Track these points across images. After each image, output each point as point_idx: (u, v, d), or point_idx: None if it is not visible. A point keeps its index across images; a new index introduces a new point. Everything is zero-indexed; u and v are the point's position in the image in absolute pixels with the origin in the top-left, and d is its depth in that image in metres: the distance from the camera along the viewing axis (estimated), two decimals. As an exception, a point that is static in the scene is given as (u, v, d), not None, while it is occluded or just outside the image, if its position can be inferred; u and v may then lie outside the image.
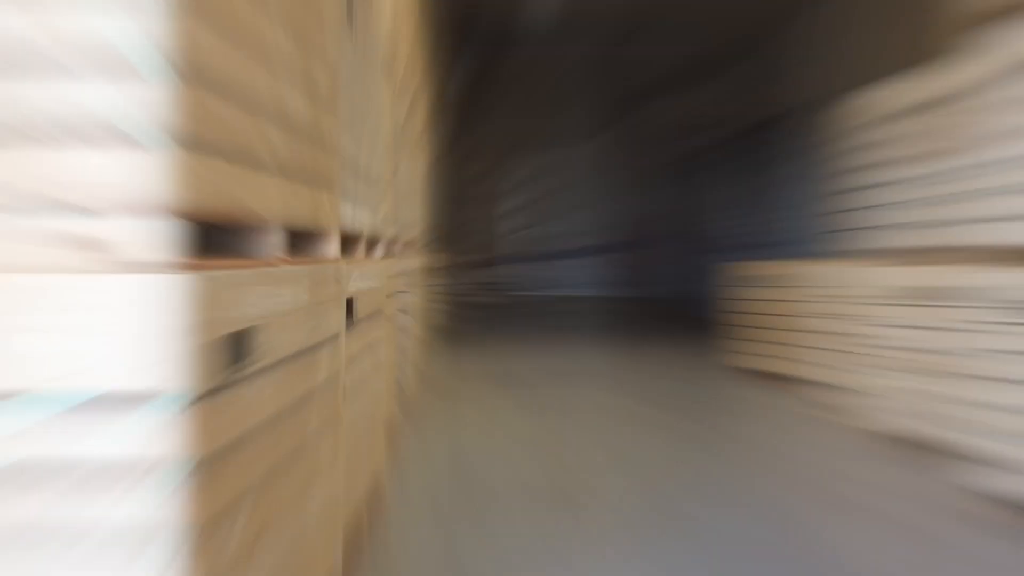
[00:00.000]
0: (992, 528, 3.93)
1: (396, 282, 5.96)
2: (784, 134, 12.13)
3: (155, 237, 1.63)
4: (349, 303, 3.42)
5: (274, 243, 2.23)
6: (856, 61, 10.16)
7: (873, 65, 9.66)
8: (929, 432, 5.30)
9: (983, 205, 4.07)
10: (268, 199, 2.15)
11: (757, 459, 5.13)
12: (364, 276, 3.73)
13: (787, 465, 4.97)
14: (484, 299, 18.09)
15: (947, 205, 5.30)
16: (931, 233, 5.32)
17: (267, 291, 2.08)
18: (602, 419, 6.26)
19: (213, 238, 2.28)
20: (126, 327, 1.62)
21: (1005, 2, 3.98)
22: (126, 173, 1.62)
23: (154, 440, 1.63)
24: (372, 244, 4.30)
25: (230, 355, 1.85)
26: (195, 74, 1.73)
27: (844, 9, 10.43)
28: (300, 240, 2.77)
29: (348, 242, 3.59)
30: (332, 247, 2.89)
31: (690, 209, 18.60)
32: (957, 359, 4.73)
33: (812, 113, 11.54)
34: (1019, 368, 3.94)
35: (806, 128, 11.55)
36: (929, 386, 5.30)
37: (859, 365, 5.71)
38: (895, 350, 5.33)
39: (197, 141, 1.72)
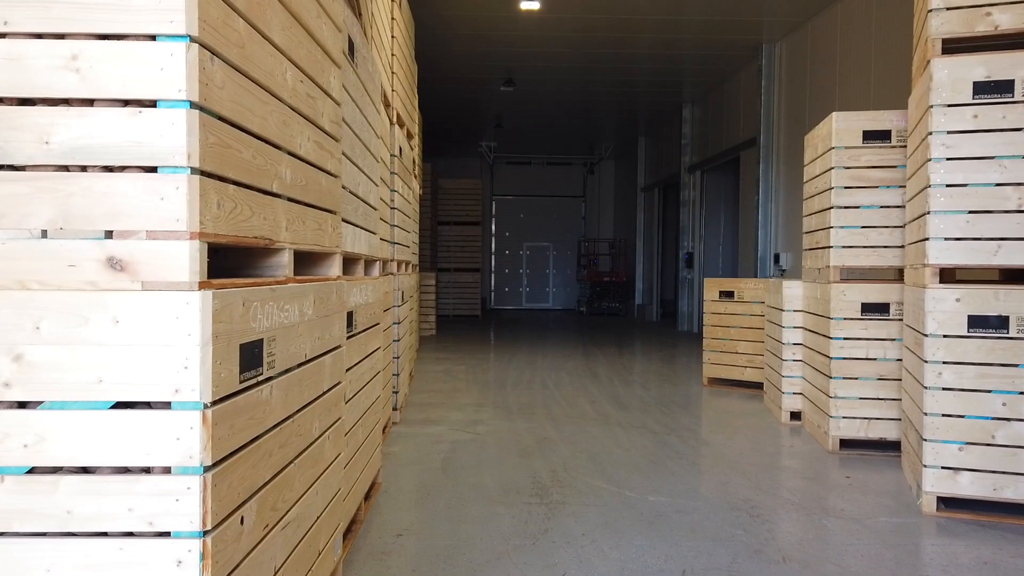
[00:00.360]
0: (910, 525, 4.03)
1: (392, 297, 6.01)
2: (750, 161, 12.29)
3: (176, 258, 1.69)
4: (350, 316, 3.48)
5: (283, 263, 2.29)
6: (816, 93, 10.34)
7: (832, 96, 9.84)
8: (878, 434, 5.39)
9: (931, 228, 4.17)
10: (278, 224, 2.21)
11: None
12: (363, 292, 3.79)
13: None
14: (470, 310, 18.17)
15: (898, 229, 5.42)
16: (884, 254, 5.43)
17: (277, 307, 2.14)
18: (575, 421, 6.32)
19: (229, 259, 2.34)
20: (149, 340, 1.68)
21: (959, 35, 4.10)
22: (151, 200, 1.68)
23: (174, 443, 1.68)
24: (370, 263, 4.36)
25: (244, 364, 1.90)
26: (214, 111, 1.79)
27: (813, 40, 10.62)
28: (306, 260, 2.82)
29: (349, 262, 3.65)
30: (335, 266, 2.95)
31: (665, 227, 18.77)
32: (900, 368, 4.84)
33: (775, 142, 11.71)
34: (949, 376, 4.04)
35: (770, 155, 11.71)
36: (879, 392, 5.39)
37: (814, 374, 5.81)
38: (850, 361, 5.43)
39: (215, 172, 1.79)
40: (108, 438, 1.67)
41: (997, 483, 4.04)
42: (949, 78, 4.09)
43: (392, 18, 6.25)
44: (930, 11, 4.16)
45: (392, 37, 6.21)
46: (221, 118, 1.82)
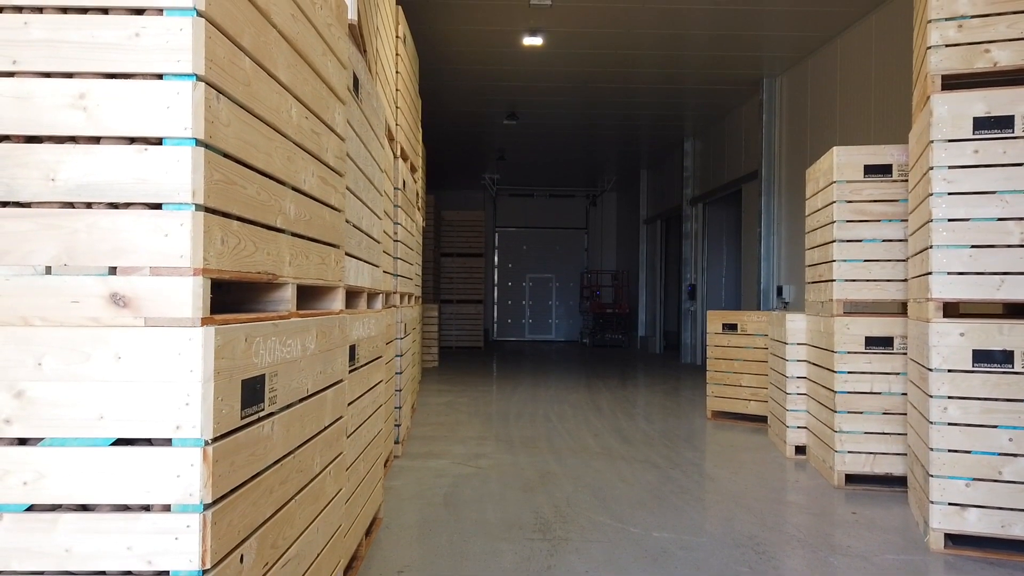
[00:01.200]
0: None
1: (394, 329, 6.00)
2: (752, 194, 12.35)
3: (179, 295, 1.69)
4: (352, 350, 3.47)
5: (286, 298, 2.29)
6: (819, 127, 10.41)
7: (835, 131, 9.91)
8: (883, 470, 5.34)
9: (934, 262, 4.17)
10: (281, 259, 2.21)
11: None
12: (366, 325, 3.79)
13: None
14: (473, 342, 18.14)
15: (901, 262, 5.42)
16: (887, 287, 5.43)
17: (279, 342, 2.14)
18: (578, 455, 6.27)
19: (232, 293, 2.34)
20: (151, 376, 1.67)
21: (958, 72, 4.13)
22: (155, 237, 1.69)
23: (175, 480, 1.67)
24: (373, 296, 4.37)
25: (245, 400, 1.89)
26: (219, 148, 1.81)
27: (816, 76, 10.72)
28: (309, 294, 2.83)
29: (352, 295, 3.65)
30: (338, 300, 2.95)
31: (668, 259, 18.80)
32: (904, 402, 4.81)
33: (776, 175, 11.77)
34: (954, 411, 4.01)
35: (772, 188, 11.76)
36: (884, 428, 5.35)
37: (818, 408, 5.77)
38: (854, 395, 5.40)
39: (219, 208, 1.79)
40: (108, 475, 1.66)
41: (1005, 520, 3.99)
42: (949, 114, 4.12)
43: (397, 54, 6.33)
44: (929, 48, 4.20)
45: (396, 73, 6.28)
46: (226, 155, 1.83)
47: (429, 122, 12.99)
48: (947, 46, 4.16)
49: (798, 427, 6.45)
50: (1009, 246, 4.02)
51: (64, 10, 1.71)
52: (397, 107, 6.19)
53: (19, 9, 1.71)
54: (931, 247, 4.15)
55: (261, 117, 2.04)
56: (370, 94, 4.06)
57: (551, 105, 13.49)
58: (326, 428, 2.70)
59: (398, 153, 6.19)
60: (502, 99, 13.16)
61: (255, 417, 1.96)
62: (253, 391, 1.94)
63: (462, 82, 12.09)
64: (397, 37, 6.41)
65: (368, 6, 4.23)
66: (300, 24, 2.38)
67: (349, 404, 3.30)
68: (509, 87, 12.37)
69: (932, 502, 4.12)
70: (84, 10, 1.71)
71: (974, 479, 4.05)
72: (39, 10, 1.71)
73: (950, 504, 4.09)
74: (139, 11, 1.71)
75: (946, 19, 4.17)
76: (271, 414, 2.08)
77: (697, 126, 15.26)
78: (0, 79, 1.69)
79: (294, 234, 2.35)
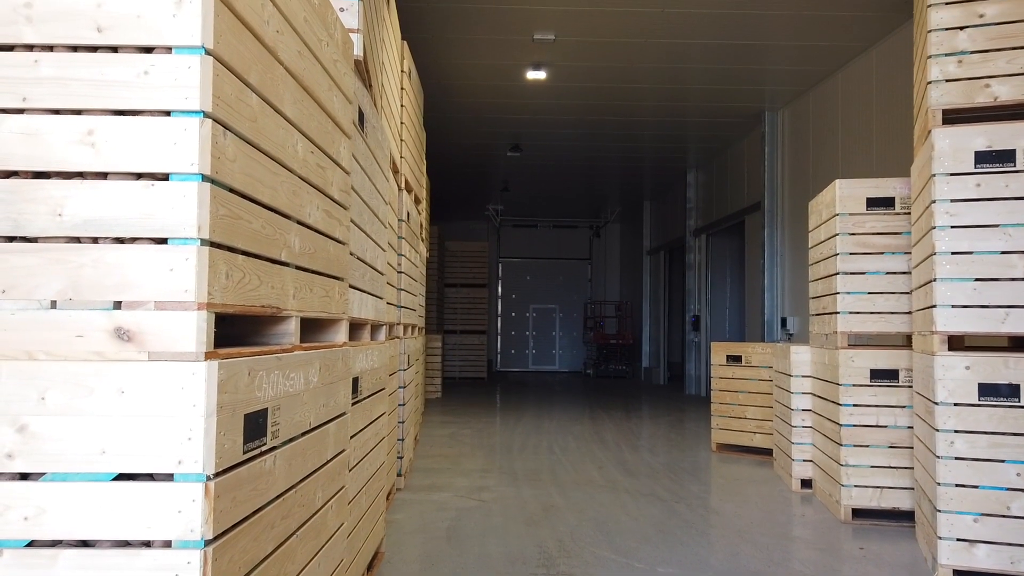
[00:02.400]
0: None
1: (397, 361, 5.99)
2: (755, 225, 12.39)
3: (183, 329, 1.69)
4: (355, 382, 3.46)
5: (290, 331, 2.30)
6: (822, 160, 10.48)
7: (837, 164, 9.96)
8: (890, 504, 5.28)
9: (938, 295, 4.17)
10: (285, 292, 2.22)
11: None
12: (369, 357, 3.78)
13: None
14: (476, 373, 18.08)
15: (905, 295, 5.41)
16: (892, 320, 5.42)
17: (282, 375, 2.14)
18: (582, 488, 6.22)
19: (236, 326, 2.34)
20: (154, 411, 1.67)
21: (959, 106, 4.16)
22: (160, 271, 1.70)
23: (176, 516, 1.66)
24: (377, 327, 4.37)
25: (248, 435, 1.89)
26: (225, 183, 1.82)
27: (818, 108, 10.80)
28: (313, 327, 2.83)
29: (355, 327, 3.65)
30: (341, 332, 2.95)
31: (672, 289, 18.81)
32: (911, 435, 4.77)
33: (779, 206, 11.81)
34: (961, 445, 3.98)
35: (775, 220, 11.80)
36: (891, 461, 5.30)
37: (824, 441, 5.72)
38: (860, 428, 5.36)
39: (224, 243, 1.80)
40: (109, 511, 1.65)
41: (1014, 556, 3.94)
42: (951, 147, 4.14)
43: (402, 88, 6.39)
44: (930, 83, 4.24)
45: (402, 106, 6.34)
46: (232, 190, 1.85)
47: (434, 154, 13.08)
48: (947, 81, 4.20)
49: (804, 460, 6.40)
50: (1013, 279, 4.02)
51: (75, 48, 1.74)
52: (402, 140, 6.24)
53: (30, 47, 1.74)
54: (935, 280, 4.15)
55: (267, 152, 2.06)
56: (375, 128, 4.10)
57: (555, 137, 13.58)
58: (328, 462, 2.68)
59: (402, 185, 6.23)
60: (506, 131, 13.26)
61: (257, 452, 1.95)
62: (256, 425, 1.93)
63: (466, 115, 12.20)
64: (402, 71, 6.48)
65: (374, 42, 4.29)
66: (307, 61, 2.41)
67: (352, 437, 3.29)
68: (513, 120, 12.48)
69: (940, 538, 4.07)
70: (94, 48, 1.74)
71: (982, 514, 4.00)
72: (50, 48, 1.73)
73: (958, 540, 4.04)
74: (148, 49, 1.73)
75: (946, 54, 4.21)
76: (273, 448, 2.07)
77: (699, 158, 15.34)
78: (10, 116, 1.71)
79: (298, 267, 2.36)
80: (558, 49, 9.22)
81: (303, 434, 2.37)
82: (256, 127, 1.97)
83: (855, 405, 5.40)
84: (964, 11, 4.18)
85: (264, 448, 1.99)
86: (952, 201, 4.13)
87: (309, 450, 2.42)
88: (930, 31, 4.26)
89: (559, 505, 5.74)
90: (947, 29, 4.21)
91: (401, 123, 6.30)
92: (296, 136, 2.31)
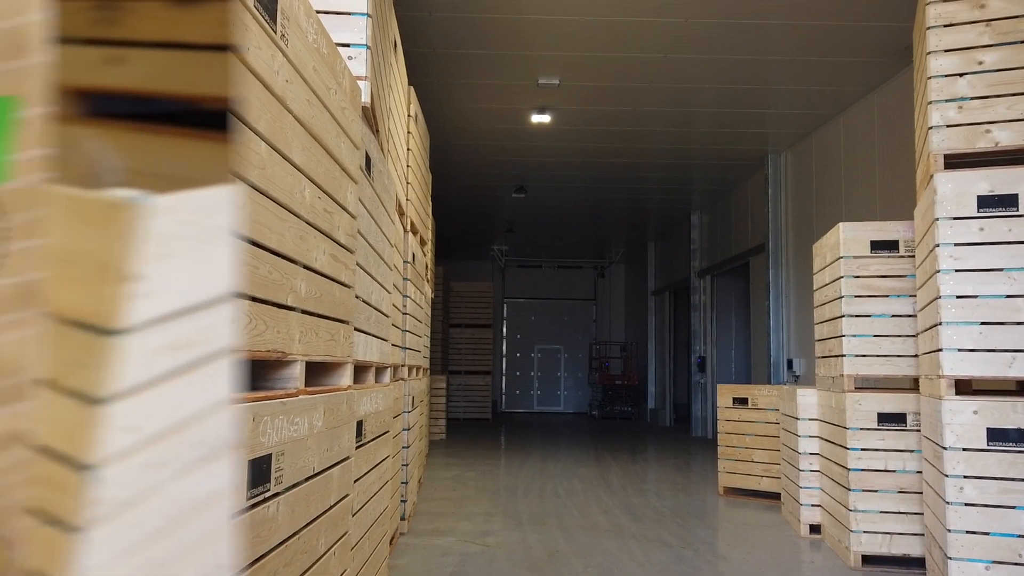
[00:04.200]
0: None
1: (402, 403, 5.97)
2: (760, 267, 12.42)
3: (190, 374, 1.69)
4: (359, 425, 3.45)
5: (295, 375, 2.30)
6: (826, 201, 10.54)
7: (840, 206, 10.02)
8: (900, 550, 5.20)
9: (944, 339, 4.16)
10: (291, 337, 2.23)
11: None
12: (373, 400, 3.77)
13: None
14: (481, 414, 18.00)
15: (911, 338, 5.40)
16: (898, 363, 5.40)
17: (287, 420, 2.13)
18: (588, 533, 6.14)
19: (240, 372, 2.34)
20: (159, 456, 1.67)
21: (960, 151, 4.19)
22: (168, 317, 1.70)
23: (178, 563, 1.64)
24: (381, 370, 4.36)
25: (251, 481, 1.88)
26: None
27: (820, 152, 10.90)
28: (317, 370, 2.83)
29: (360, 369, 3.65)
30: (346, 376, 2.95)
31: (677, 330, 18.78)
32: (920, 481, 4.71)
33: (783, 248, 11.86)
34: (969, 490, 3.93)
35: (779, 261, 11.84)
36: (899, 507, 5.24)
37: (832, 486, 5.66)
38: (868, 472, 5.31)
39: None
40: (110, 558, 1.64)
41: (1028, 605, 3.86)
42: (953, 192, 4.16)
43: (408, 132, 6.47)
44: (931, 128, 4.28)
45: (408, 150, 6.42)
46: (241, 237, 1.86)
47: (439, 195, 13.18)
48: (948, 126, 4.24)
49: (812, 505, 6.32)
50: (1019, 323, 4.01)
51: (89, 98, 1.77)
52: (408, 182, 6.30)
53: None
54: (940, 324, 4.14)
55: (275, 199, 2.08)
56: (381, 172, 4.14)
57: (559, 179, 13.70)
58: (332, 507, 2.66)
59: (408, 227, 6.27)
60: (511, 173, 13.38)
61: (261, 498, 1.94)
62: (259, 471, 1.92)
63: (472, 157, 12.33)
64: (409, 116, 6.57)
65: (381, 88, 4.36)
66: (315, 109, 2.45)
67: (355, 481, 3.26)
68: (518, 162, 12.60)
69: (952, 586, 4.00)
70: (108, 98, 1.77)
71: (994, 562, 3.94)
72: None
73: None
74: (161, 99, 1.77)
75: (946, 100, 4.26)
76: (277, 494, 2.06)
77: (704, 200, 15.43)
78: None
79: (304, 311, 2.37)
80: (562, 93, 9.35)
81: (306, 479, 2.36)
82: (264, 174, 2.00)
83: (863, 449, 5.36)
84: (963, 58, 4.24)
85: (268, 494, 1.98)
86: (956, 245, 4.14)
87: (312, 496, 2.41)
88: (930, 77, 4.31)
89: (564, 551, 5.67)
90: (947, 76, 4.27)
91: (407, 166, 6.37)
92: (304, 182, 2.34)
